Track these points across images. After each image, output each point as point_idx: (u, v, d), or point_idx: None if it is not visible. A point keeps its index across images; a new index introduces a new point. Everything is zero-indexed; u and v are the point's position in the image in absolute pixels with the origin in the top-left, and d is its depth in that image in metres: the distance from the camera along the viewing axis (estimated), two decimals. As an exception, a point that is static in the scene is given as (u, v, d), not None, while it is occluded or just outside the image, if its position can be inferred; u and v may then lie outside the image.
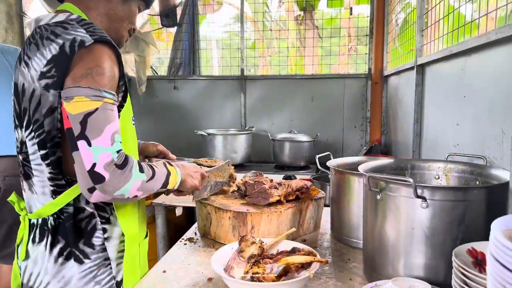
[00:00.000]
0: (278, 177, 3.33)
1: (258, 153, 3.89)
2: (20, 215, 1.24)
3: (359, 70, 3.92)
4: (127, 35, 1.29)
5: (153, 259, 3.00)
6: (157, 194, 2.78)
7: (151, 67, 4.09)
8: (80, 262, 1.14)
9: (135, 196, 1.06)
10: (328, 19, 5.03)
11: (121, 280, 1.20)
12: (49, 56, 1.05)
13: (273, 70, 4.85)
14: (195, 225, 1.77)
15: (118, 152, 1.01)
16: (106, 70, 1.03)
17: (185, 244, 1.57)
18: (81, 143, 0.98)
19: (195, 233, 1.68)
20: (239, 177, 3.29)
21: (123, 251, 1.20)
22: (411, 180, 1.02)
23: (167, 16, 3.75)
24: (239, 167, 3.56)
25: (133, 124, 1.24)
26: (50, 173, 1.11)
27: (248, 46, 4.10)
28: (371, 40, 3.75)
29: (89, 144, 0.97)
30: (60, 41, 1.05)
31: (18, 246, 1.24)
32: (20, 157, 1.19)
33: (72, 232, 1.12)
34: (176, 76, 4.10)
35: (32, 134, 1.11)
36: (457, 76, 1.79)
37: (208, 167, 1.79)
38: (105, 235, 1.16)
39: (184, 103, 4.07)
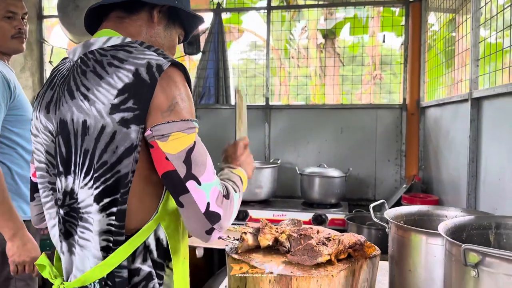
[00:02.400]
0: (307, 216, 3.09)
1: (284, 188, 3.63)
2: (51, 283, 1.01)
3: (382, 100, 3.67)
4: None
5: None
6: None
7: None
8: None
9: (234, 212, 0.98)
10: (351, 45, 4.87)
11: None
12: (120, 85, 0.88)
13: (294, 99, 4.68)
14: (225, 283, 1.51)
15: (220, 183, 0.93)
16: (188, 97, 0.93)
17: (215, 310, 1.32)
18: (191, 184, 0.87)
19: (226, 293, 1.43)
20: (265, 214, 3.05)
21: None
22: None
23: (190, 44, 3.59)
24: (264, 203, 3.31)
25: None
26: (110, 225, 0.90)
27: (271, 75, 3.92)
28: (405, 69, 3.52)
29: (199, 183, 0.87)
30: (131, 67, 0.89)
31: None
32: (61, 212, 0.97)
33: None
34: (198, 105, 3.92)
35: (93, 180, 0.90)
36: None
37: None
38: None
39: (206, 134, 3.86)
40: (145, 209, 0.94)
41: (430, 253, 1.21)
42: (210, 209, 0.88)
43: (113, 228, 0.90)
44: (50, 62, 3.81)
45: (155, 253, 0.95)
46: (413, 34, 3.40)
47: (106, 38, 0.97)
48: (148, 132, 0.87)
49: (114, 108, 0.87)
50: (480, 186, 2.01)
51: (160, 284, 0.95)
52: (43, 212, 1.09)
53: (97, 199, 0.90)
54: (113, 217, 0.90)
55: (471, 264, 0.88)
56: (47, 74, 3.96)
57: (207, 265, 3.24)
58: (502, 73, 1.87)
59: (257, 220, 3.00)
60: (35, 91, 3.85)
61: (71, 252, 0.97)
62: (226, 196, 0.92)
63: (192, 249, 2.84)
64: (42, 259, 1.05)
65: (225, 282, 1.51)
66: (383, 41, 3.73)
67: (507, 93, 1.72)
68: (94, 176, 0.90)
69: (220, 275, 2.75)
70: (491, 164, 1.93)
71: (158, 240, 0.95)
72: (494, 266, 0.86)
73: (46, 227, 1.11)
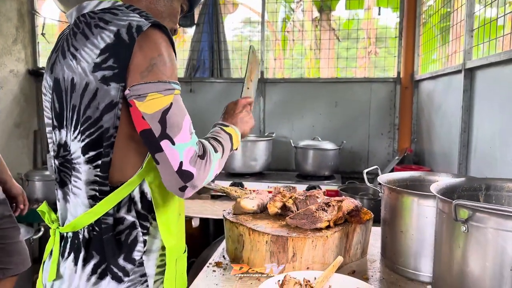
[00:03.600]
0: (301, 187, 3.11)
1: (279, 161, 3.67)
2: (50, 228, 1.09)
3: (378, 74, 3.68)
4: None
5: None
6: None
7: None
8: (119, 280, 0.98)
9: (216, 174, 1.01)
10: (346, 21, 4.82)
11: None
12: (102, 45, 0.93)
13: (289, 73, 4.66)
14: (223, 246, 1.56)
15: (196, 143, 0.96)
16: (169, 59, 0.94)
17: (214, 271, 1.36)
18: (165, 143, 0.91)
19: (224, 257, 1.47)
20: (260, 186, 3.09)
21: (161, 266, 1.05)
22: (515, 210, 0.81)
23: (185, 16, 3.55)
24: (259, 175, 3.35)
25: None
26: (96, 176, 0.98)
27: (266, 48, 3.89)
28: (400, 42, 3.52)
29: (173, 143, 0.91)
30: (114, 28, 0.93)
31: (44, 262, 1.10)
32: (57, 162, 1.06)
33: (111, 246, 0.98)
34: (192, 79, 3.91)
35: (80, 134, 0.97)
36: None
37: (238, 197, 1.59)
38: (145, 248, 1.02)
39: (200, 107, 3.87)
40: (130, 164, 0.99)
41: (422, 214, 1.25)
42: (183, 168, 0.91)
43: (98, 179, 0.97)
44: (43, 34, 3.76)
45: (139, 205, 1.01)
46: (408, 8, 3.40)
47: (97, 2, 1.02)
48: (127, 92, 0.92)
49: (96, 67, 0.93)
50: (472, 155, 2.06)
51: (144, 233, 1.01)
52: None
53: (84, 151, 0.97)
54: (98, 169, 0.97)
55: (461, 219, 0.92)
56: (40, 46, 3.91)
57: (203, 235, 3.30)
58: (496, 43, 1.89)
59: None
60: (28, 63, 3.80)
61: (65, 199, 1.05)
62: (202, 156, 0.95)
63: (188, 219, 2.88)
64: (43, 206, 1.13)
65: (223, 244, 1.55)
66: (379, 14, 3.71)
67: (499, 62, 1.74)
68: (81, 129, 0.97)
69: (216, 245, 2.81)
70: (482, 133, 1.97)
71: (142, 193, 1.01)
72: (483, 221, 0.90)
73: None
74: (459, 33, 2.43)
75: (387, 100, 3.59)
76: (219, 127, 1.15)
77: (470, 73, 2.06)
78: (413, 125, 3.43)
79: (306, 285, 1.00)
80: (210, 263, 1.42)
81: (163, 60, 0.93)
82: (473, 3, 2.07)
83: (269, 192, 1.66)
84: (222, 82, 3.92)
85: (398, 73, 3.53)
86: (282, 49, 5.27)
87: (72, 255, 1.01)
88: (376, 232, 1.56)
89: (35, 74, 3.82)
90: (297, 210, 1.42)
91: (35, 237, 2.79)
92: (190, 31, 4.07)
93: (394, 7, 4.10)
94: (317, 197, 1.42)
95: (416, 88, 3.40)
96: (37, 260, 2.86)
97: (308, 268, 1.27)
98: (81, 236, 1.00)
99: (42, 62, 3.98)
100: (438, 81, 2.77)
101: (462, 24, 2.21)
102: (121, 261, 0.98)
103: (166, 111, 0.91)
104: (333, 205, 1.34)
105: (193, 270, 2.71)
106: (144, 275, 1.01)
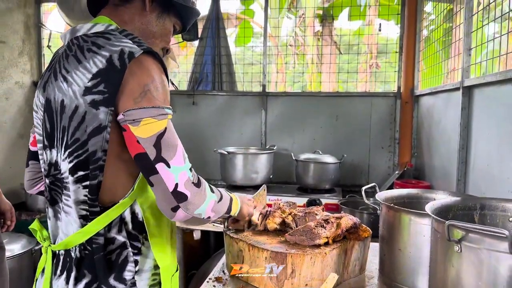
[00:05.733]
0: (302, 200, 3.15)
1: (279, 173, 3.69)
2: (42, 245, 1.12)
3: (379, 86, 3.72)
4: (160, 54, 1.17)
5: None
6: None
7: (171, 82, 3.95)
8: None
9: (209, 217, 1.03)
10: (348, 30, 4.87)
11: None
12: (94, 69, 0.96)
13: (291, 87, 4.71)
14: (223, 261, 1.58)
15: (190, 170, 0.99)
16: (161, 85, 0.98)
17: (214, 286, 1.38)
18: (160, 166, 0.94)
19: (223, 272, 1.49)
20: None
21: (153, 286, 1.07)
22: (506, 232, 0.83)
23: (188, 30, 3.60)
24: (259, 188, 3.36)
25: None
26: (85, 196, 1.00)
27: (268, 62, 3.94)
28: (400, 57, 3.57)
29: (168, 166, 0.94)
30: (106, 53, 0.96)
31: (36, 280, 1.12)
32: (47, 181, 1.09)
33: (102, 266, 1.00)
34: (195, 91, 3.95)
35: (68, 154, 1.00)
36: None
37: None
38: (137, 268, 1.03)
39: (203, 119, 3.91)
40: (121, 185, 1.02)
41: (419, 233, 1.27)
42: (178, 189, 0.94)
43: (87, 200, 1.00)
44: (49, 46, 3.82)
45: (130, 225, 1.03)
46: (409, 23, 3.44)
47: (91, 25, 1.05)
48: (120, 117, 0.94)
49: (87, 90, 0.95)
50: (470, 172, 2.08)
51: (135, 253, 1.03)
52: (35, 179, 1.27)
53: (72, 171, 1.00)
54: (87, 190, 0.99)
55: (455, 240, 0.94)
56: (46, 58, 3.97)
57: (204, 248, 3.31)
58: (493, 62, 1.92)
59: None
60: (33, 75, 3.86)
61: (56, 217, 1.08)
62: (196, 184, 0.98)
63: (190, 232, 2.90)
64: (35, 224, 1.15)
65: (223, 259, 1.57)
66: (379, 30, 3.76)
67: (496, 81, 1.78)
68: (69, 151, 1.00)
69: (216, 257, 2.82)
70: (480, 151, 1.99)
71: (133, 214, 1.03)
72: (476, 242, 0.92)
73: (38, 192, 1.28)
74: (459, 51, 2.47)
75: (388, 115, 3.62)
76: (222, 189, 1.19)
77: (468, 91, 2.10)
78: (413, 139, 3.46)
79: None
80: (210, 278, 1.44)
81: (156, 86, 0.96)
82: (471, 23, 2.11)
83: (269, 205, 1.68)
84: (224, 95, 3.96)
85: (399, 87, 3.57)
86: (284, 62, 5.33)
87: (64, 274, 1.03)
88: (374, 248, 1.57)
89: (40, 85, 3.87)
90: (296, 227, 1.45)
91: (36, 248, 2.81)
92: (195, 44, 4.12)
93: (396, 21, 4.16)
94: (316, 213, 1.45)
95: (416, 103, 3.43)
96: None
97: (306, 284, 1.29)
98: (73, 255, 1.02)
99: (47, 73, 4.04)
100: (437, 97, 2.80)
101: (461, 42, 2.25)
102: (112, 280, 1.00)
103: (160, 136, 0.94)
104: (332, 222, 1.37)
105: (193, 283, 2.72)
106: None
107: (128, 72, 0.94)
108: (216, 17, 3.93)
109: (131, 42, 0.98)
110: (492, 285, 0.90)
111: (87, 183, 0.99)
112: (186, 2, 1.16)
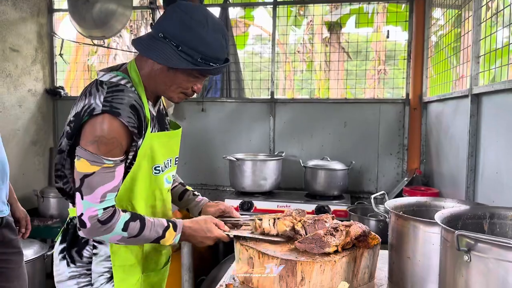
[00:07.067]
0: (310, 207, 3.16)
1: (288, 180, 3.71)
2: None
3: (388, 91, 3.72)
4: (178, 96, 1.37)
5: (178, 292, 2.82)
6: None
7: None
8: (68, 265, 1.37)
9: (117, 242, 1.30)
10: (356, 35, 4.89)
11: None
12: (74, 111, 1.26)
13: (299, 93, 4.73)
14: (233, 267, 1.60)
15: (105, 209, 1.23)
16: (110, 141, 1.22)
17: (224, 293, 1.40)
18: (77, 195, 1.24)
19: (234, 279, 1.51)
20: (270, 205, 3.13)
21: (106, 272, 1.36)
22: (515, 243, 0.85)
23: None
24: (268, 194, 3.39)
25: (156, 173, 1.40)
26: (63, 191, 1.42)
27: (276, 69, 3.98)
28: (409, 64, 3.57)
29: (82, 198, 1.23)
30: (86, 102, 1.23)
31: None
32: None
33: (70, 239, 1.37)
34: (204, 98, 3.99)
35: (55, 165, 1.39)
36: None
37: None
38: (94, 251, 1.35)
39: (212, 126, 3.95)
40: None
41: (428, 241, 1.28)
42: (82, 217, 1.23)
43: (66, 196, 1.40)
44: (61, 55, 3.89)
45: None
46: (417, 30, 3.45)
47: (103, 73, 1.31)
48: (77, 147, 1.24)
49: (68, 123, 1.29)
50: (479, 179, 2.08)
51: (95, 240, 1.34)
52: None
53: (58, 178, 1.39)
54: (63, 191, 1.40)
55: (464, 249, 0.96)
56: (58, 66, 4.04)
57: (213, 253, 3.33)
58: (501, 70, 1.93)
59: (261, 211, 3.08)
60: (46, 83, 3.93)
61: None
62: (103, 222, 1.22)
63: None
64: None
65: (233, 266, 1.58)
66: (387, 36, 3.77)
67: (505, 89, 1.78)
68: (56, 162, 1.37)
69: (225, 263, 2.84)
70: (489, 158, 1.99)
71: None
72: (485, 251, 0.93)
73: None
74: (468, 58, 2.47)
75: (396, 121, 3.62)
76: (173, 221, 1.38)
77: (476, 99, 2.10)
78: (422, 146, 3.46)
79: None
80: (220, 285, 1.46)
81: (105, 141, 1.21)
82: (479, 31, 2.12)
83: (281, 211, 1.69)
84: (233, 102, 3.99)
85: (407, 94, 3.57)
86: (292, 69, 5.36)
87: (60, 235, 1.42)
88: (384, 256, 1.58)
89: (52, 93, 3.95)
90: (306, 234, 1.46)
91: (49, 253, 2.86)
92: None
93: (404, 28, 4.17)
94: (326, 221, 1.46)
95: (424, 109, 3.43)
96: (49, 275, 2.91)
97: (316, 292, 1.30)
98: (65, 224, 1.41)
99: (59, 81, 4.11)
100: (446, 104, 2.81)
101: (469, 49, 2.26)
102: (73, 252, 1.35)
103: (87, 176, 1.22)
104: (341, 230, 1.38)
105: (202, 289, 2.74)
106: (89, 269, 1.35)
107: (88, 123, 1.23)
108: (224, 25, 3.96)
109: (102, 99, 1.22)
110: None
111: (64, 186, 1.39)
112: (187, 66, 1.25)
